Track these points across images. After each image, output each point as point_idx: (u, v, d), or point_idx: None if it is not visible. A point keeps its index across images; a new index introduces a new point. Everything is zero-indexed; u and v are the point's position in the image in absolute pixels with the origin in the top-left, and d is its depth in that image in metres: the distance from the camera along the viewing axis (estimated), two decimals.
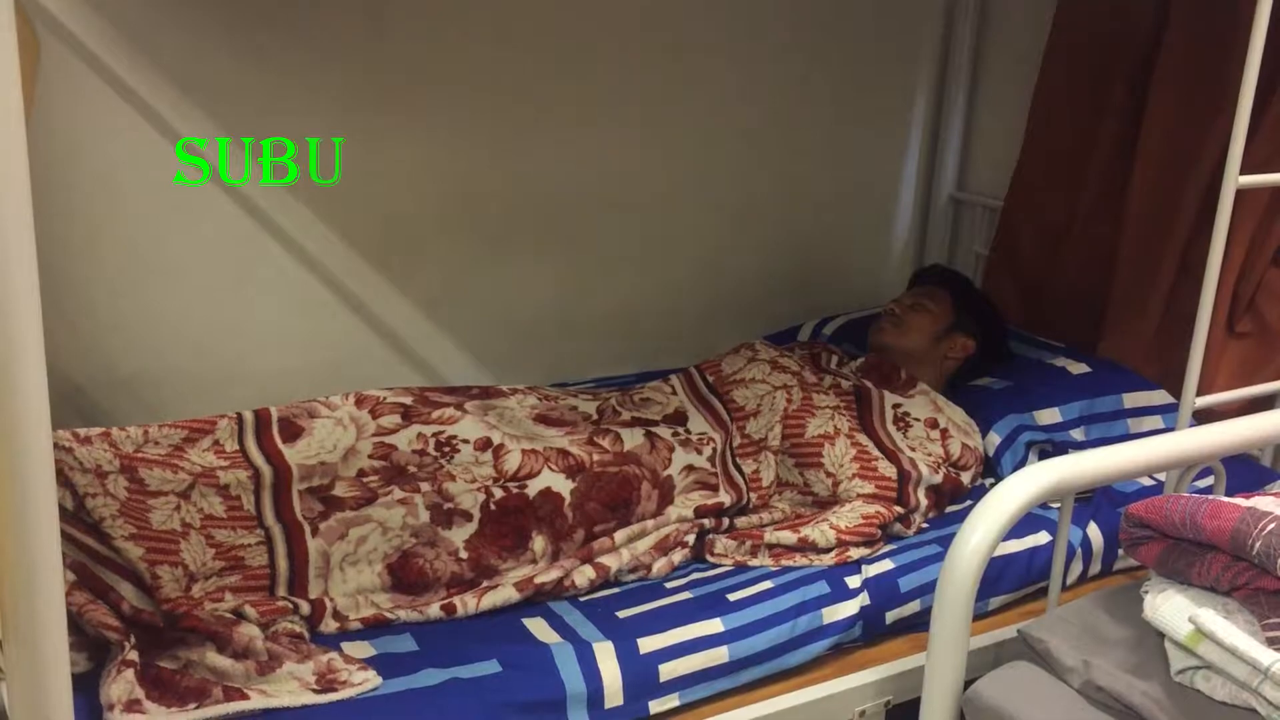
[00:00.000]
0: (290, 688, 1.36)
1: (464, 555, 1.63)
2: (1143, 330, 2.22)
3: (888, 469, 1.83)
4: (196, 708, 1.31)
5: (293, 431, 1.71)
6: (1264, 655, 1.19)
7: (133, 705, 1.28)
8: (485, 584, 1.62)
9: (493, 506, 1.68)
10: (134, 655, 1.33)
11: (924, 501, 1.84)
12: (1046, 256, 2.44)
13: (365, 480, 1.67)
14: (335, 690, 1.36)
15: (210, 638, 1.39)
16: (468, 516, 1.66)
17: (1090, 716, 1.29)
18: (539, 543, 1.67)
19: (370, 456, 1.70)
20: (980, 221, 2.69)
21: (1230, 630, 1.22)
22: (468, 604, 1.57)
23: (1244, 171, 1.55)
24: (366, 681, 1.38)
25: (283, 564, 1.58)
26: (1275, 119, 1.97)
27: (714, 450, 1.88)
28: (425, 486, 1.67)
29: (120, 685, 1.29)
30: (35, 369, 0.85)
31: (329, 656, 1.42)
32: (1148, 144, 2.18)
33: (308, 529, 1.61)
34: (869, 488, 1.81)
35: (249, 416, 1.72)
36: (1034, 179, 2.47)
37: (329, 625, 1.52)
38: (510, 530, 1.67)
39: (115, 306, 1.98)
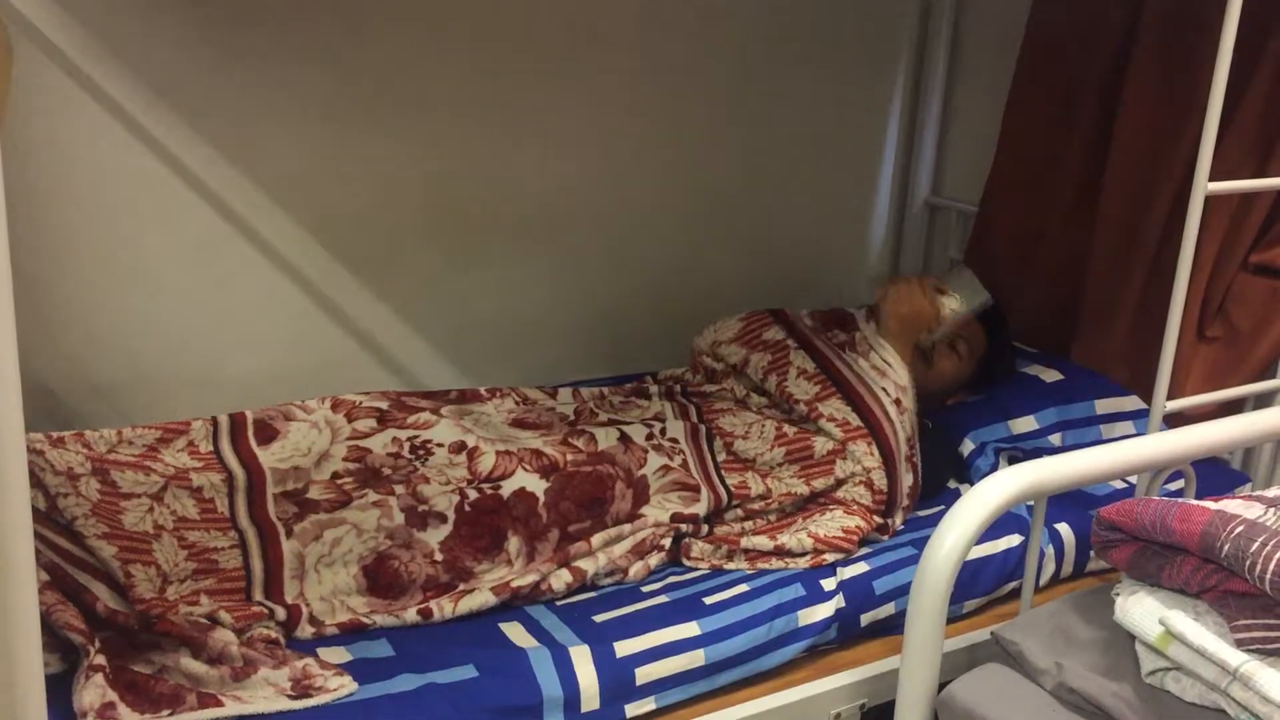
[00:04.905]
0: (265, 694, 1.36)
1: (439, 557, 1.63)
2: (1114, 334, 2.24)
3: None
4: (170, 714, 1.30)
5: (267, 434, 1.70)
6: (1232, 656, 1.20)
7: (106, 709, 1.28)
8: (461, 587, 1.62)
9: (467, 508, 1.68)
10: (100, 659, 1.32)
11: (907, 479, 1.85)
12: (1020, 260, 2.46)
13: (339, 483, 1.67)
14: (311, 696, 1.36)
15: (185, 642, 1.39)
16: (442, 518, 1.66)
17: (1062, 718, 1.30)
18: (514, 543, 1.67)
19: (344, 459, 1.69)
20: (955, 226, 2.71)
21: (1200, 632, 1.24)
22: (444, 608, 1.57)
23: (1213, 178, 1.56)
24: (342, 687, 1.38)
25: (257, 565, 1.57)
26: (1244, 126, 1.99)
27: (683, 461, 1.88)
28: (400, 489, 1.67)
29: (92, 691, 1.28)
30: (9, 374, 0.85)
31: (304, 662, 1.42)
32: (1119, 150, 2.20)
33: (282, 530, 1.60)
34: (874, 461, 1.83)
35: (224, 420, 1.71)
36: (1008, 184, 2.49)
37: (305, 630, 1.52)
38: (485, 531, 1.67)
39: (91, 312, 1.97)
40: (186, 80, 1.93)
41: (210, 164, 1.99)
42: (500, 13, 2.16)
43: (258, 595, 1.56)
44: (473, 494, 1.69)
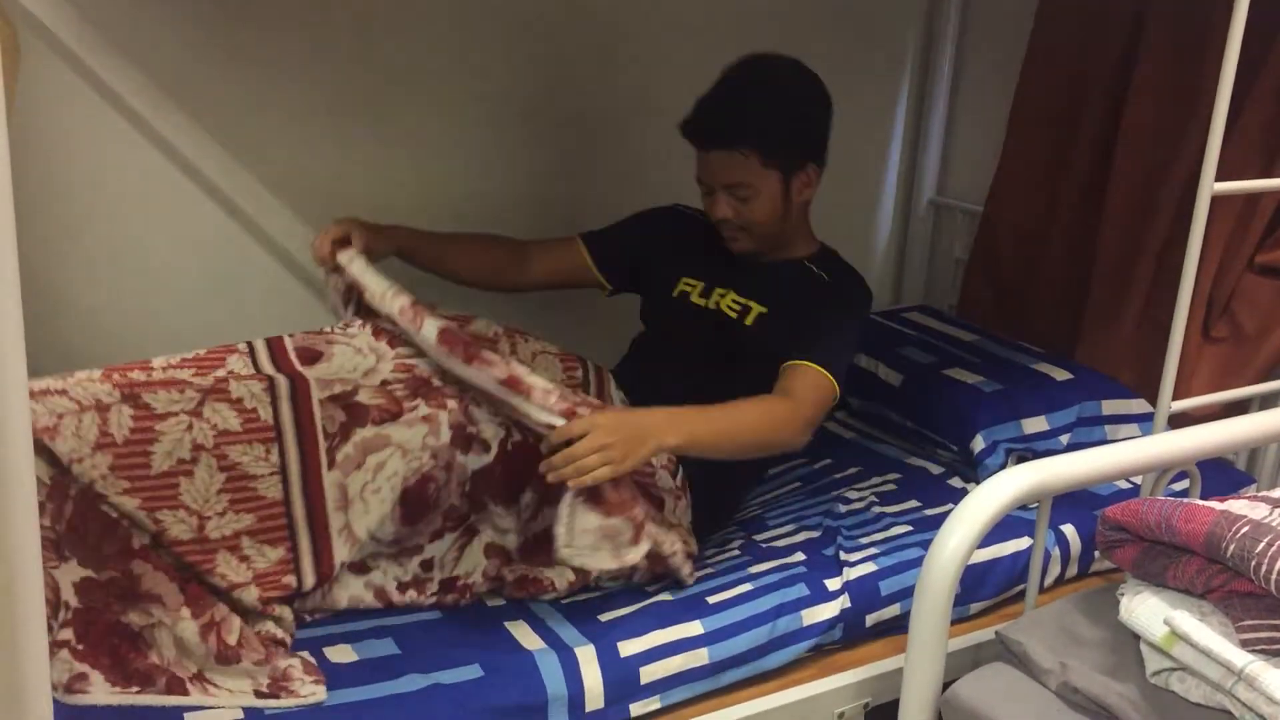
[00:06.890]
0: (240, 686, 1.37)
1: (468, 488, 1.59)
2: (1120, 335, 2.24)
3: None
4: (139, 692, 1.32)
5: (310, 356, 1.60)
6: (1237, 657, 1.20)
7: (78, 680, 1.30)
8: (473, 519, 1.62)
9: (510, 446, 1.60)
10: (65, 634, 1.33)
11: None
12: (1025, 261, 2.46)
13: (390, 389, 1.57)
14: (278, 698, 1.37)
15: (190, 601, 1.39)
16: (486, 447, 1.59)
17: (1066, 718, 1.30)
18: (528, 496, 1.63)
19: (393, 372, 1.60)
20: (960, 226, 2.70)
21: (1204, 632, 1.24)
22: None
23: (1219, 178, 1.56)
24: (312, 695, 1.38)
25: (298, 505, 1.51)
26: (1249, 126, 1.99)
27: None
28: (451, 403, 1.57)
29: (56, 668, 1.29)
30: (16, 370, 0.85)
31: (288, 664, 1.41)
32: (1124, 150, 2.20)
33: (324, 457, 1.52)
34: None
35: (260, 344, 1.60)
36: (1013, 184, 2.49)
37: (315, 600, 1.53)
38: (515, 476, 1.61)
39: (96, 308, 1.97)
40: (193, 78, 1.93)
41: (216, 161, 1.99)
42: (507, 18, 2.16)
43: (303, 541, 1.51)
44: (517, 435, 1.61)
